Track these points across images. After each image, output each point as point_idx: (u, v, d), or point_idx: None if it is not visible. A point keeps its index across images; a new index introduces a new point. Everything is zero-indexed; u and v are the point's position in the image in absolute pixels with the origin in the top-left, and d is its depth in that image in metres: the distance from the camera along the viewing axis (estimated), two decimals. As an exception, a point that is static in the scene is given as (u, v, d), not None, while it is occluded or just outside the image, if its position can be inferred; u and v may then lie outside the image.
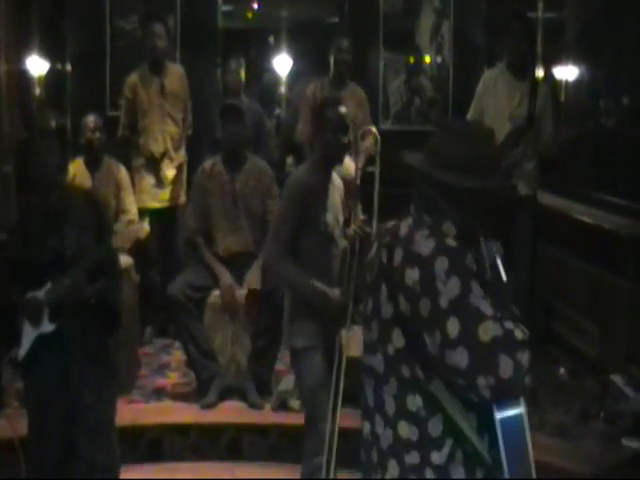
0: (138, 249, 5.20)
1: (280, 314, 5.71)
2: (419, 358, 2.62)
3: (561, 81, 7.86)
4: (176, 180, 7.19)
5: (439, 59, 8.58)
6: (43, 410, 4.43)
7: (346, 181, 4.90)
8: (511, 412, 2.58)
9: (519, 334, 2.56)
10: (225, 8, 8.63)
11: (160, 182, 7.12)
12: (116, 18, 8.13)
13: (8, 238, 4.81)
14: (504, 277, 2.74)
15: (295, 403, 5.76)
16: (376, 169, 4.82)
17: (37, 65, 8.26)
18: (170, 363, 6.74)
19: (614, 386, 5.45)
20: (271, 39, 10.75)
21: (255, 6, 10.54)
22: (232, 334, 6.01)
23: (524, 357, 2.53)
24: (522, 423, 2.60)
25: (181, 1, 8.17)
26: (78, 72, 8.25)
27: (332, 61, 7.23)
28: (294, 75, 8.73)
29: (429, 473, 2.64)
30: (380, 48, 8.49)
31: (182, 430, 5.67)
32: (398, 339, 2.65)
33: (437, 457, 2.63)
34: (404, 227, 2.69)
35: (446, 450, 2.63)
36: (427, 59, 8.59)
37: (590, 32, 7.39)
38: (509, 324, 2.57)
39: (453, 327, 2.51)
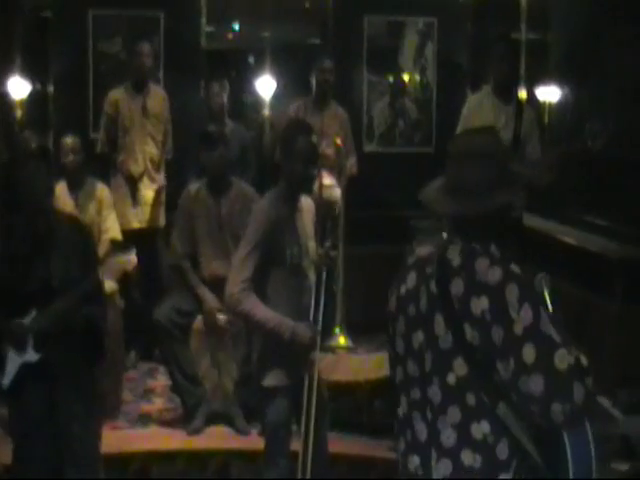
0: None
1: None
2: (486, 384, 2.66)
3: (545, 103, 7.87)
4: (155, 202, 7.14)
5: (423, 81, 8.57)
6: (28, 439, 4.38)
7: (327, 203, 4.83)
8: (581, 436, 2.69)
9: (584, 360, 2.65)
10: (207, 29, 8.60)
11: (137, 202, 7.07)
12: (99, 40, 8.08)
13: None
14: (550, 308, 2.78)
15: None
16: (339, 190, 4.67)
17: (19, 87, 8.18)
18: (155, 388, 6.68)
19: (602, 409, 5.44)
20: (251, 59, 10.73)
21: (236, 27, 10.53)
22: (218, 359, 5.97)
23: (590, 382, 2.63)
24: (590, 446, 2.70)
25: (164, 22, 8.13)
26: (61, 94, 8.19)
27: (314, 82, 7.24)
28: (277, 96, 8.71)
29: None
30: (364, 69, 8.48)
31: (169, 457, 5.63)
32: (460, 368, 2.67)
33: (504, 477, 2.69)
34: (454, 255, 2.71)
35: (512, 471, 2.70)
36: (411, 81, 8.58)
37: (574, 53, 7.41)
38: (573, 349, 2.64)
39: (529, 354, 2.57)
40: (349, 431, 5.30)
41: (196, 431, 5.83)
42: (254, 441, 5.70)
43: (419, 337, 2.76)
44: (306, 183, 4.35)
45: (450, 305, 2.67)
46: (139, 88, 7.12)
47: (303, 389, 4.36)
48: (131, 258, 4.42)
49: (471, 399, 2.67)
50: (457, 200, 2.73)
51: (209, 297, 5.90)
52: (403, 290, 2.83)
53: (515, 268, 2.66)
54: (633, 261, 5.99)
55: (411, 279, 2.81)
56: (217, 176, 6.02)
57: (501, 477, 2.68)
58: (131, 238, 6.79)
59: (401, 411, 2.85)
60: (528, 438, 2.68)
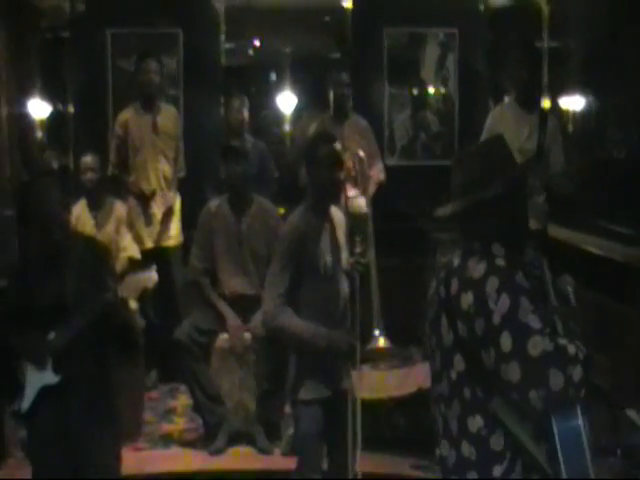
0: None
1: (287, 356, 5.67)
2: (479, 379, 2.76)
3: (568, 112, 7.77)
4: (167, 220, 7.07)
5: (445, 93, 8.49)
6: (47, 461, 4.32)
7: (353, 214, 4.78)
8: (568, 423, 2.68)
9: (572, 349, 2.66)
10: (227, 45, 8.58)
11: (150, 221, 7.02)
12: (117, 58, 8.07)
13: (9, 283, 4.71)
14: (573, 303, 2.91)
15: (306, 447, 5.63)
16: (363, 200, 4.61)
17: (39, 107, 8.21)
18: (176, 408, 6.62)
19: (629, 421, 5.32)
20: (273, 75, 10.73)
21: (257, 43, 10.52)
22: (239, 378, 5.92)
23: (576, 371, 2.62)
24: (580, 434, 2.68)
25: (184, 39, 8.11)
26: (80, 113, 8.20)
27: (332, 96, 7.19)
28: (297, 112, 8.67)
29: None
30: (385, 82, 8.41)
31: (191, 478, 5.56)
32: (459, 363, 2.80)
33: (499, 470, 2.76)
34: (456, 258, 2.85)
35: (506, 464, 2.76)
36: (432, 93, 8.50)
37: (596, 61, 7.31)
38: (562, 340, 2.68)
39: (506, 342, 2.65)
40: (371, 449, 5.19)
41: (218, 451, 5.77)
42: (276, 461, 5.68)
43: (433, 340, 2.91)
44: (333, 191, 4.32)
45: (450, 304, 2.80)
46: (148, 106, 7.05)
47: (337, 403, 4.34)
48: (152, 275, 4.37)
49: (467, 393, 2.78)
50: (453, 201, 2.88)
51: (231, 314, 5.84)
52: (428, 297, 2.97)
53: (500, 261, 2.75)
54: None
55: (432, 286, 2.94)
56: (238, 192, 5.98)
57: (495, 469, 2.75)
58: (145, 258, 6.76)
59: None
60: (524, 430, 2.72)
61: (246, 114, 7.30)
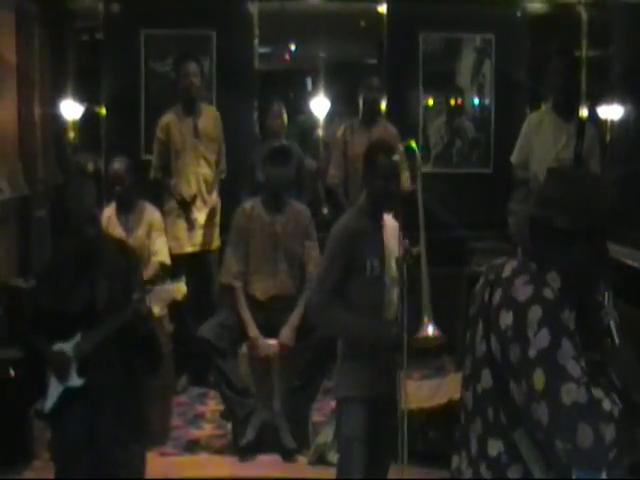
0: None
1: (317, 355, 5.70)
2: (505, 402, 2.61)
3: (607, 121, 7.66)
4: (208, 224, 7.05)
5: (481, 99, 8.40)
6: (71, 463, 4.30)
7: None
8: None
9: (607, 405, 2.47)
10: (262, 50, 8.54)
11: (191, 226, 6.99)
12: (151, 60, 8.06)
13: (37, 284, 4.69)
14: (617, 342, 2.67)
15: (334, 457, 5.54)
16: (418, 184, 4.57)
17: (72, 109, 8.20)
18: (205, 413, 6.56)
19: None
20: (309, 82, 10.70)
21: (292, 47, 10.49)
22: (267, 385, 5.84)
23: (608, 430, 2.43)
24: None
25: (217, 43, 8.08)
26: (113, 115, 8.19)
27: (362, 100, 7.16)
28: (331, 117, 8.62)
29: None
30: (420, 88, 8.34)
31: (217, 484, 5.49)
32: (487, 379, 2.67)
33: None
34: (508, 268, 2.70)
35: None
36: (468, 99, 8.43)
37: (636, 70, 7.19)
38: (599, 393, 2.48)
39: (539, 379, 2.49)
40: (401, 460, 5.11)
41: (249, 444, 5.72)
42: (305, 469, 5.62)
43: (467, 340, 2.80)
44: (387, 199, 4.37)
45: (488, 313, 2.67)
46: (189, 109, 7.03)
47: (382, 408, 4.30)
48: (180, 287, 4.34)
49: (490, 414, 2.65)
50: (552, 211, 2.68)
51: (251, 325, 5.82)
52: (474, 292, 2.85)
53: (548, 293, 2.57)
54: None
55: (479, 283, 2.83)
56: (276, 192, 5.98)
57: None
58: (185, 262, 6.74)
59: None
60: (542, 470, 2.57)
61: (285, 119, 7.27)
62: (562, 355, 2.48)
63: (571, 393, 2.44)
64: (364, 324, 4.23)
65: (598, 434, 2.42)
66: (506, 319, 2.58)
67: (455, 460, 2.81)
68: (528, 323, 2.52)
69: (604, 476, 2.51)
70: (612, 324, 2.68)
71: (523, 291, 2.58)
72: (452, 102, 8.41)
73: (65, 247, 4.57)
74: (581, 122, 6.00)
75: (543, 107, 6.51)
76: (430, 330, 4.68)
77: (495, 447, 2.63)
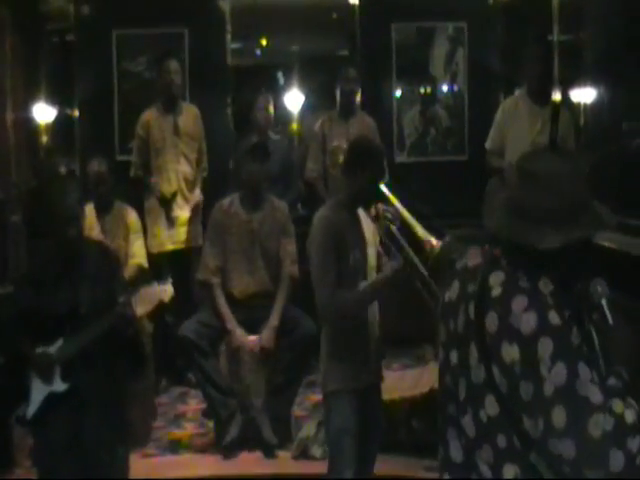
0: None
1: (298, 352, 5.71)
2: (517, 429, 2.45)
3: (580, 105, 7.65)
4: (190, 221, 7.02)
5: (454, 87, 8.40)
6: (54, 470, 4.26)
7: None
8: None
9: (629, 417, 2.37)
10: (234, 46, 8.51)
11: (172, 223, 6.96)
12: (123, 60, 8.01)
13: (17, 288, 4.65)
14: (610, 320, 2.53)
15: (317, 451, 5.57)
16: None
17: (44, 112, 8.15)
18: (186, 413, 6.53)
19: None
20: (280, 76, 10.69)
21: (264, 42, 10.47)
22: (248, 383, 5.83)
23: (635, 443, 2.35)
24: None
25: (189, 40, 8.04)
26: (86, 117, 8.14)
27: (339, 92, 7.13)
28: (305, 111, 8.61)
29: None
30: (393, 78, 8.33)
31: (201, 484, 5.47)
32: (492, 407, 2.49)
33: None
34: (495, 283, 2.50)
35: None
36: (442, 88, 8.42)
37: (608, 53, 7.19)
38: (618, 405, 2.38)
39: (559, 417, 2.35)
40: (385, 451, 5.11)
41: (232, 442, 5.71)
42: (287, 465, 5.60)
43: (454, 357, 2.60)
44: (370, 200, 4.35)
45: (483, 339, 2.47)
46: (170, 107, 7.00)
47: (369, 398, 4.32)
48: (167, 288, 4.30)
49: (502, 441, 2.49)
50: (533, 228, 2.47)
51: (230, 318, 5.79)
52: (447, 298, 2.66)
53: (554, 317, 2.40)
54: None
55: (454, 289, 2.63)
56: (255, 189, 5.95)
57: None
58: (166, 260, 6.71)
59: (440, 420, 2.70)
60: None
61: (271, 111, 7.22)
62: (581, 384, 2.36)
63: (599, 424, 2.34)
64: (369, 287, 4.22)
65: (628, 453, 2.34)
66: (511, 353, 2.41)
67: (441, 451, 2.70)
68: (539, 359, 2.37)
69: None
70: (604, 302, 2.55)
71: (526, 320, 2.40)
72: (426, 91, 8.41)
73: (46, 249, 4.51)
74: (556, 107, 6.01)
75: (517, 93, 6.51)
76: (434, 241, 4.73)
77: (512, 471, 2.49)
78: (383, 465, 4.81)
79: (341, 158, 5.04)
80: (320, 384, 4.46)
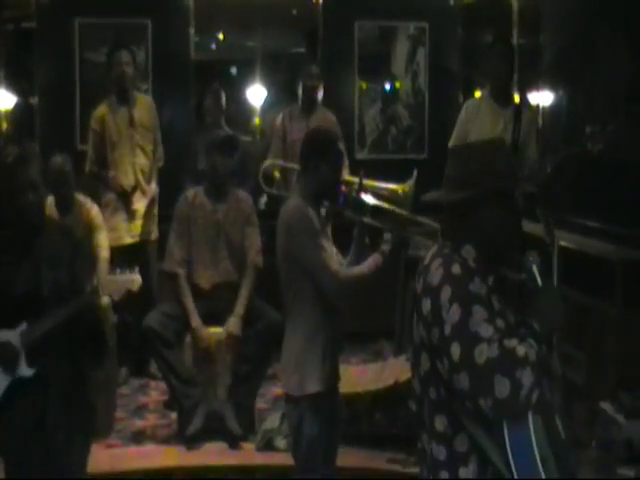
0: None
1: (263, 342, 5.73)
2: (442, 380, 2.73)
3: (537, 107, 7.79)
4: (148, 213, 7.00)
5: (415, 86, 8.49)
6: (20, 455, 4.21)
7: None
8: (518, 431, 2.61)
9: (521, 351, 2.60)
10: (196, 39, 8.50)
11: (132, 216, 6.93)
12: (85, 50, 7.97)
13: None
14: (539, 283, 2.78)
15: (281, 442, 5.61)
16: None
17: (4, 99, 8.07)
18: (148, 404, 6.52)
19: (604, 414, 5.35)
20: (234, 70, 10.69)
21: (220, 37, 10.45)
22: (212, 374, 5.85)
23: (525, 374, 2.57)
24: (530, 443, 2.61)
25: (152, 32, 8.02)
26: (47, 105, 8.08)
27: (300, 88, 7.15)
28: (266, 106, 8.63)
29: None
30: (355, 76, 8.40)
31: (165, 474, 5.44)
32: (425, 362, 2.81)
33: (464, 473, 2.74)
34: (428, 255, 2.85)
35: (473, 467, 2.74)
36: (403, 86, 8.51)
37: (566, 56, 7.34)
38: (512, 342, 2.63)
39: (455, 352, 2.63)
40: (349, 443, 5.17)
41: (196, 432, 5.72)
42: (251, 456, 5.63)
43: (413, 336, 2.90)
44: (332, 191, 4.20)
45: (416, 302, 2.82)
46: (123, 99, 6.95)
47: (334, 398, 4.19)
48: (136, 278, 4.28)
49: (433, 393, 2.79)
50: (446, 192, 2.88)
51: (194, 315, 5.81)
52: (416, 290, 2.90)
53: (456, 269, 2.72)
54: (634, 263, 5.89)
55: (417, 280, 2.89)
56: (220, 181, 5.97)
57: (460, 470, 2.74)
58: (124, 253, 6.67)
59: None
60: (485, 434, 2.67)
61: (223, 104, 7.22)
62: (474, 322, 2.63)
63: (483, 352, 2.58)
64: (367, 264, 4.05)
65: (515, 381, 2.56)
66: (426, 305, 2.73)
67: (419, 442, 2.92)
68: (441, 305, 2.68)
69: (530, 419, 2.60)
70: (534, 268, 2.79)
71: (436, 275, 2.73)
72: (387, 90, 8.49)
73: (6, 227, 4.42)
74: (518, 107, 6.08)
75: (480, 93, 6.59)
76: (401, 186, 4.74)
77: (441, 422, 2.77)
78: (346, 457, 4.86)
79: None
80: (286, 385, 4.14)
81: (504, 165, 2.87)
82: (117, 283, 4.22)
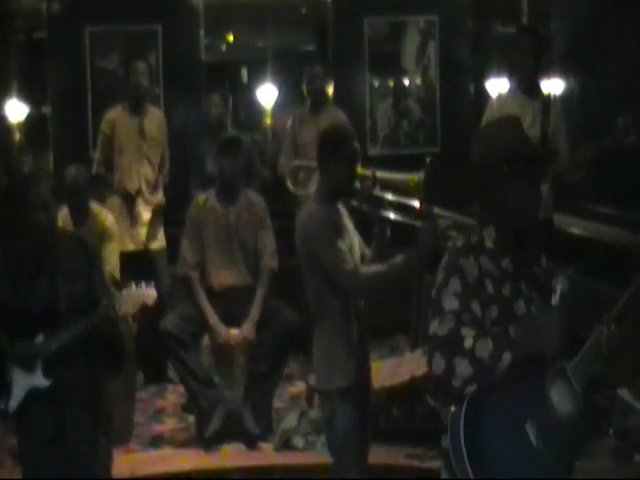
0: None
1: (280, 343, 5.74)
2: None
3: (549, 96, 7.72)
4: (152, 222, 6.98)
5: (426, 80, 8.47)
6: (38, 466, 4.24)
7: None
8: (449, 412, 2.65)
9: (468, 343, 2.60)
10: (206, 42, 8.53)
11: (135, 221, 6.92)
12: (96, 58, 8.01)
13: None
14: (555, 302, 2.78)
15: (299, 442, 5.61)
16: None
17: (17, 110, 8.11)
18: (166, 408, 6.52)
19: (622, 401, 5.31)
20: (244, 71, 10.72)
21: (230, 38, 10.47)
22: (229, 375, 5.86)
23: (461, 365, 2.58)
24: (456, 423, 2.59)
25: (163, 37, 8.04)
26: (59, 114, 8.13)
27: (306, 89, 7.14)
28: (277, 105, 8.64)
29: None
30: (365, 72, 8.39)
31: (184, 478, 5.46)
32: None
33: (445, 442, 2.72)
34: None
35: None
36: (414, 81, 8.49)
37: (578, 44, 7.28)
38: (471, 332, 2.62)
39: (429, 320, 2.73)
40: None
41: (215, 433, 5.72)
42: (270, 457, 5.62)
43: None
44: (349, 187, 4.19)
45: None
46: (136, 108, 6.95)
47: (365, 392, 4.20)
48: (152, 292, 4.28)
49: None
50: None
51: (211, 314, 5.82)
52: None
53: (460, 243, 2.85)
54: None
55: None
56: (230, 184, 5.98)
57: (443, 439, 2.74)
58: (132, 261, 6.66)
59: None
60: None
61: (227, 108, 7.22)
62: (446, 292, 2.71)
63: (434, 325, 2.67)
64: (393, 262, 4.01)
65: (451, 366, 2.59)
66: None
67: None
68: (439, 273, 2.80)
69: (462, 410, 2.58)
70: (559, 287, 2.79)
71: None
72: (398, 85, 8.48)
73: (21, 244, 4.46)
74: (546, 99, 5.98)
75: (508, 87, 6.45)
76: (412, 176, 4.77)
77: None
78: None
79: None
80: (317, 380, 4.22)
81: (510, 134, 2.88)
82: (133, 298, 4.23)
